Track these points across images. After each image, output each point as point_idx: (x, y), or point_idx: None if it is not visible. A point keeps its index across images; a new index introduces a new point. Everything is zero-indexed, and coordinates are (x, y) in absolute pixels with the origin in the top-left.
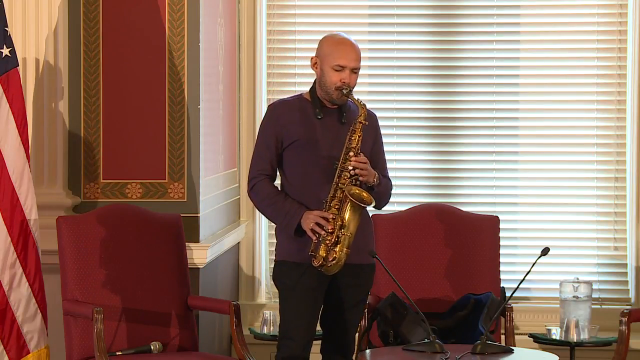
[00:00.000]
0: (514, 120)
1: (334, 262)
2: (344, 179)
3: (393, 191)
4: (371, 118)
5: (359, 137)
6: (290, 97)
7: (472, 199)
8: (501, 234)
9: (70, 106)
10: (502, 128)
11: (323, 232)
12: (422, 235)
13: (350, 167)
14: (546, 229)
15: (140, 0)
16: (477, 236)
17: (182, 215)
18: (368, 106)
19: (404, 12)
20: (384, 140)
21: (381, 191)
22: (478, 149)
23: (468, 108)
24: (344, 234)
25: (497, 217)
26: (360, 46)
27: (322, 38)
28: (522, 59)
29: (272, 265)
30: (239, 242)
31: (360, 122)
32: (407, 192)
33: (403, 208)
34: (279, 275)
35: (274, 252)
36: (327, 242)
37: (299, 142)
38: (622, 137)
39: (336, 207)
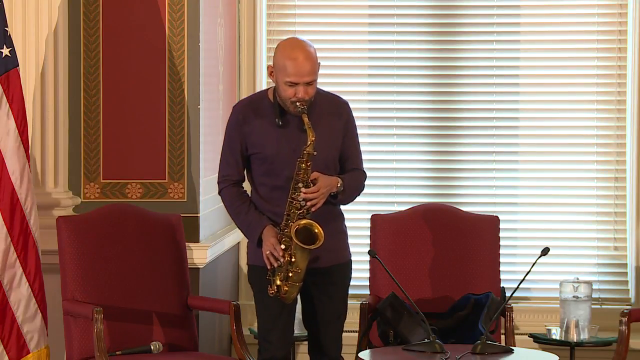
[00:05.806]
0: (514, 120)
1: (286, 295)
2: (294, 210)
3: (393, 191)
4: (342, 107)
5: (308, 166)
6: (255, 94)
7: (472, 199)
8: (501, 234)
9: (70, 106)
10: (502, 128)
11: (275, 264)
12: (422, 235)
13: (301, 198)
14: (546, 229)
15: (140, 0)
16: (477, 236)
17: (182, 215)
18: (368, 106)
19: (404, 12)
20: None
21: (347, 194)
22: (478, 149)
23: (468, 108)
24: (293, 271)
25: (497, 217)
26: (360, 46)
27: (277, 45)
28: (522, 59)
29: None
30: (239, 242)
31: (308, 153)
32: (407, 192)
33: (403, 208)
34: (251, 279)
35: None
36: (280, 273)
37: (260, 155)
38: (622, 137)
39: (286, 241)
